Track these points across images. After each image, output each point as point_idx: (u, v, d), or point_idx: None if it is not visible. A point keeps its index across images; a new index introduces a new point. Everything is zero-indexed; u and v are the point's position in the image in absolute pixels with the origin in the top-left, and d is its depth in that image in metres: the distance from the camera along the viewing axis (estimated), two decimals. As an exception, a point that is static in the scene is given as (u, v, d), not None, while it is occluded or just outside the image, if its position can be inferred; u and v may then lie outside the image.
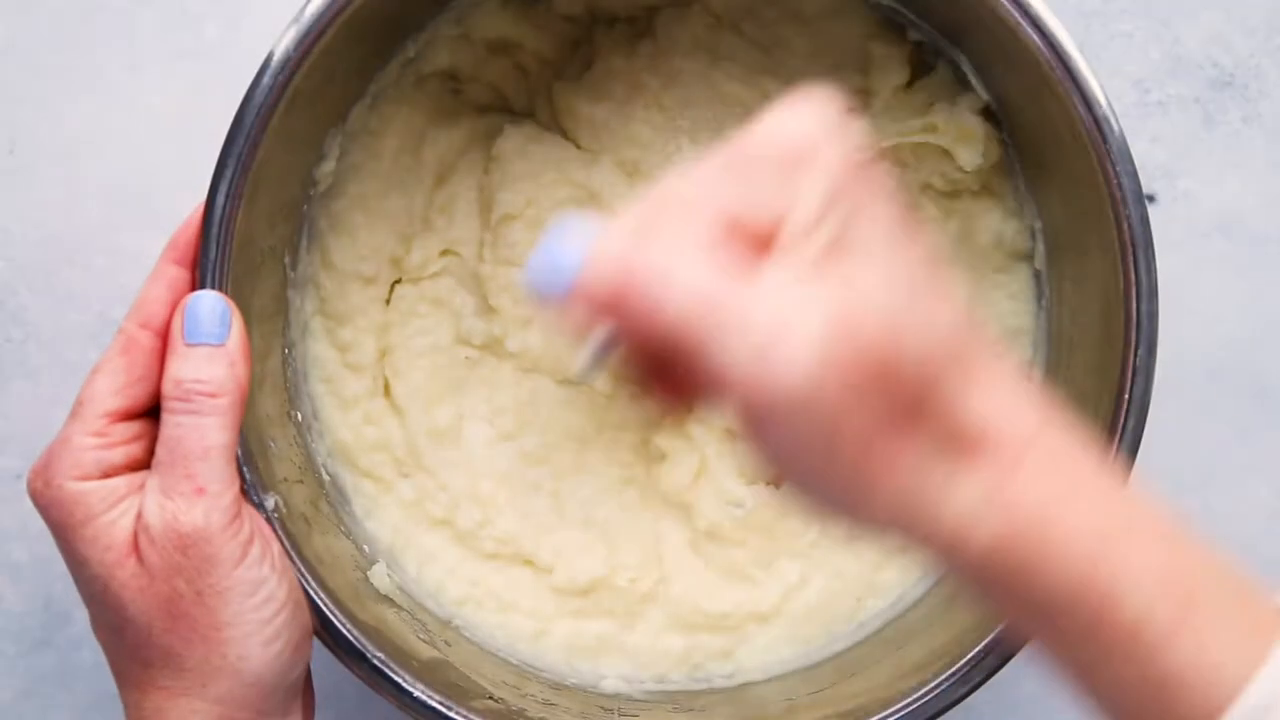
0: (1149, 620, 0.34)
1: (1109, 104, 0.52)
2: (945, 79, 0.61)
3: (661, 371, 0.37)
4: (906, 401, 0.34)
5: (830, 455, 0.34)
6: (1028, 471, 0.35)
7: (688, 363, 0.34)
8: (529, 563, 0.62)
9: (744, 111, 0.62)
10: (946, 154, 0.61)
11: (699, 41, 0.62)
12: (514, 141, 0.62)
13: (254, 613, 0.47)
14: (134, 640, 0.47)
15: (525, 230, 0.62)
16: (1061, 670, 0.37)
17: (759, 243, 0.34)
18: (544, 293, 0.34)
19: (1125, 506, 0.36)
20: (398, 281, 0.63)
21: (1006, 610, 0.37)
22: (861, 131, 0.36)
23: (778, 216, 0.34)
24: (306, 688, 0.52)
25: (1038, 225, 0.61)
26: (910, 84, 0.61)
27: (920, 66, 0.61)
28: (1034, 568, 0.34)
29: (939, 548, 0.36)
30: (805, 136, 0.35)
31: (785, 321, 0.33)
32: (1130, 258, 0.52)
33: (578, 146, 0.63)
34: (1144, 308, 0.52)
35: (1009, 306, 0.62)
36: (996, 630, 0.52)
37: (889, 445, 0.34)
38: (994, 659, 0.52)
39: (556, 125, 0.63)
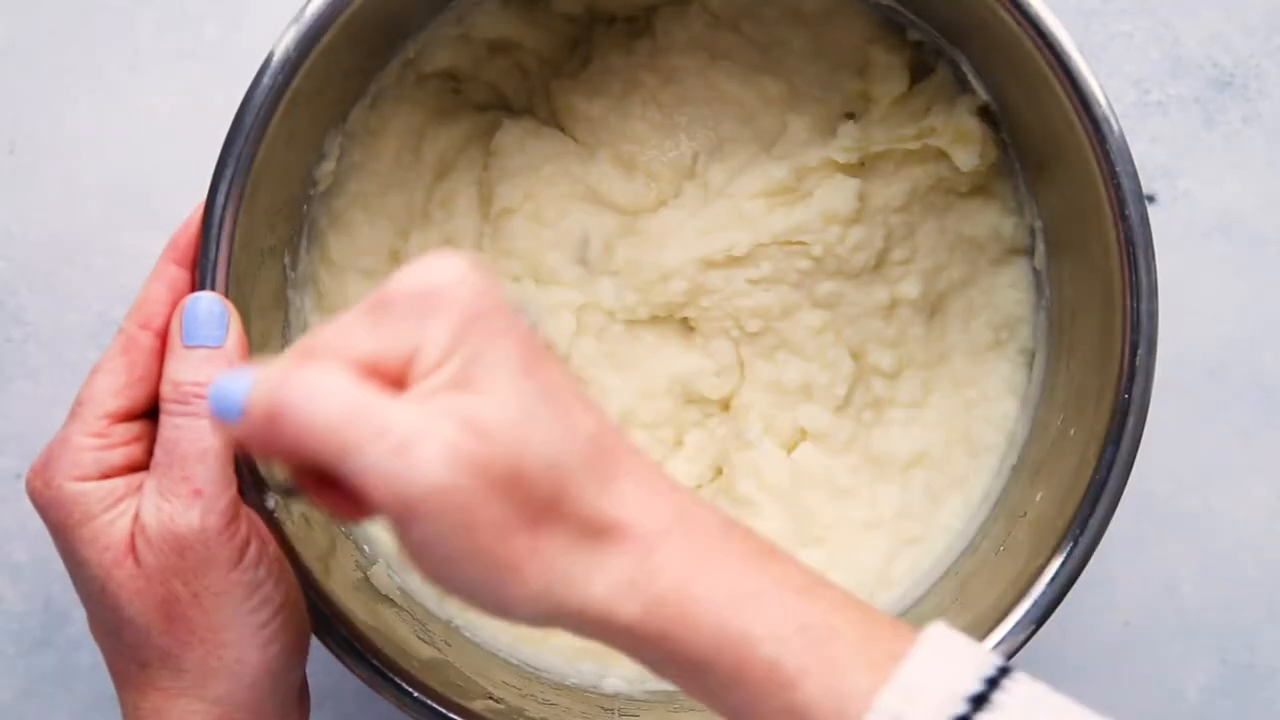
0: (782, 662, 0.38)
1: (1109, 104, 0.52)
2: (944, 80, 0.61)
3: (326, 486, 0.40)
4: (538, 501, 0.38)
5: (469, 549, 0.38)
6: (664, 554, 0.39)
7: (339, 474, 0.37)
8: None
9: (741, 110, 0.62)
10: (945, 154, 0.61)
11: (697, 40, 0.62)
12: (513, 135, 0.62)
13: (250, 615, 0.48)
14: (132, 641, 0.47)
15: (525, 224, 0.62)
16: (721, 714, 0.41)
17: (396, 383, 0.39)
18: (220, 418, 0.39)
19: (758, 572, 0.40)
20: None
21: (660, 671, 0.41)
22: (489, 279, 0.40)
23: (410, 354, 0.39)
24: (302, 688, 0.52)
25: (1038, 224, 0.61)
26: (910, 86, 0.61)
27: (920, 68, 0.61)
28: (677, 633, 0.39)
29: (587, 624, 0.40)
30: (435, 283, 0.39)
31: (420, 428, 0.37)
32: (1130, 257, 0.52)
33: (576, 142, 0.63)
34: (1144, 307, 0.52)
35: (1010, 296, 0.62)
36: (995, 631, 0.52)
37: (528, 538, 0.38)
38: (994, 659, 0.52)
39: (555, 122, 0.63)
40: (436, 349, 0.38)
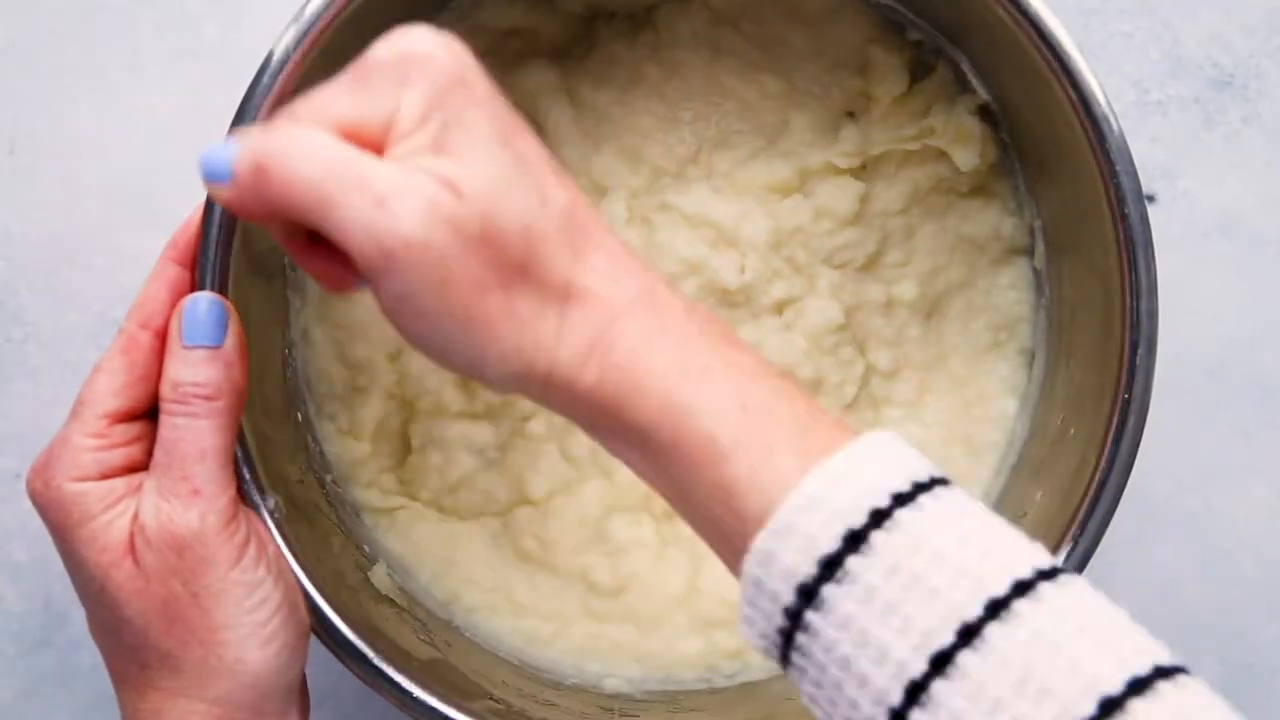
0: (716, 438, 0.40)
1: (1109, 104, 0.52)
2: (944, 80, 0.61)
3: (314, 254, 0.43)
4: (511, 262, 0.40)
5: (444, 304, 0.40)
6: (625, 324, 0.41)
7: (323, 229, 0.39)
8: (560, 568, 0.62)
9: (743, 106, 0.62)
10: (945, 154, 0.61)
11: (699, 35, 0.62)
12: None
13: (249, 615, 0.47)
14: (131, 641, 0.47)
15: None
16: (662, 493, 0.43)
17: (376, 149, 0.40)
18: (209, 179, 0.41)
19: (711, 352, 0.42)
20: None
21: (609, 442, 0.43)
22: (466, 52, 0.41)
23: (389, 119, 0.40)
24: (302, 688, 0.52)
25: (1038, 224, 0.61)
26: (910, 86, 0.61)
27: (919, 67, 0.61)
28: (625, 399, 0.41)
29: (553, 390, 0.42)
30: (413, 49, 0.41)
31: (400, 183, 0.39)
32: (1130, 257, 0.52)
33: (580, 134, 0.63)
34: (1144, 306, 0.52)
35: (1010, 296, 0.62)
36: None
37: (501, 297, 0.40)
38: (994, 659, 0.52)
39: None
40: (414, 112, 0.40)
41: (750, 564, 0.40)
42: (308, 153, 0.39)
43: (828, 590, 0.38)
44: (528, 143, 0.42)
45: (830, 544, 0.38)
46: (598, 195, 0.62)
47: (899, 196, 0.62)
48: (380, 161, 0.40)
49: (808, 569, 0.38)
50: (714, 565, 0.62)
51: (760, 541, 0.39)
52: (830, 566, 0.38)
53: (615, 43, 0.62)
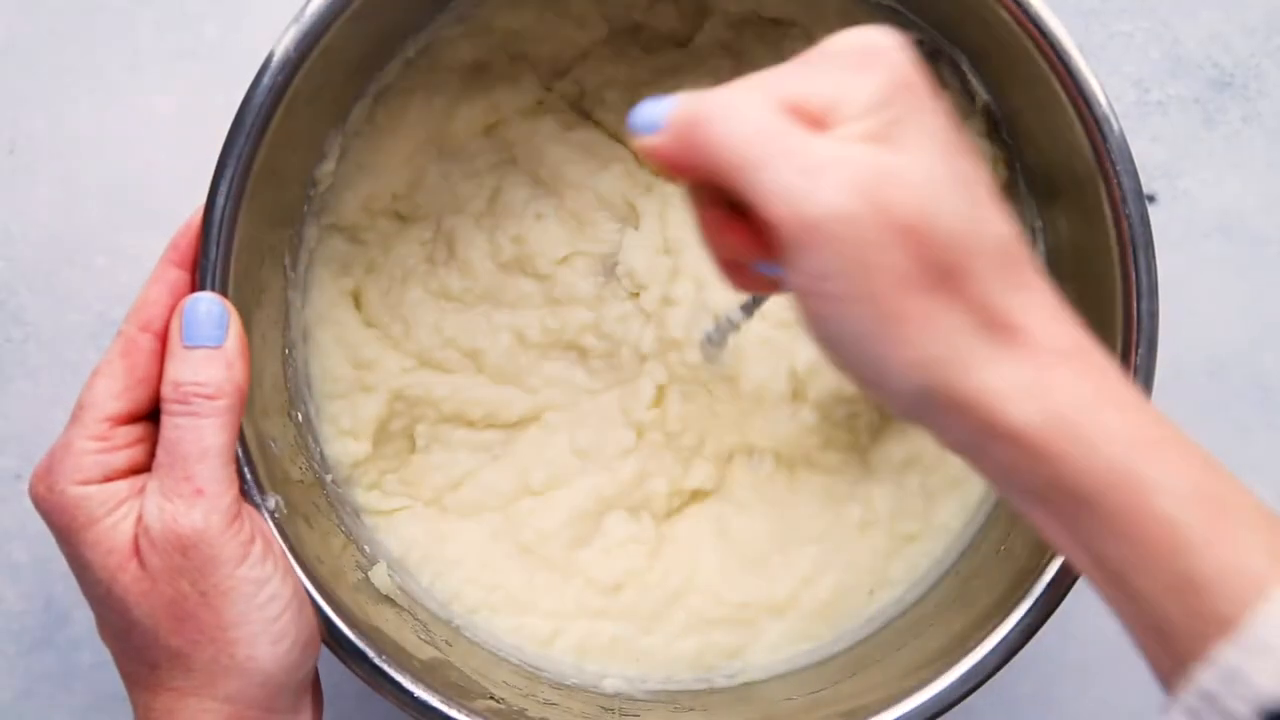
0: (1180, 521, 0.36)
1: (1109, 104, 0.52)
2: (954, 97, 0.61)
3: (726, 223, 0.41)
4: (941, 266, 0.37)
5: (861, 290, 0.37)
6: (1067, 373, 0.38)
7: (741, 189, 0.38)
8: (559, 564, 0.62)
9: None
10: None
11: (727, 46, 0.62)
12: (548, 130, 0.62)
13: (259, 611, 0.48)
14: (140, 643, 0.47)
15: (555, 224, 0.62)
16: (1080, 562, 0.39)
17: (816, 124, 0.39)
18: (641, 130, 0.41)
19: (1160, 424, 0.38)
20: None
21: (1025, 496, 0.39)
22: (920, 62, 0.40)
23: (835, 102, 0.39)
24: (314, 686, 0.52)
25: (1038, 224, 0.61)
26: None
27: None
28: (1069, 455, 0.37)
29: (966, 417, 0.38)
30: (876, 43, 0.40)
31: (832, 157, 0.37)
32: (1130, 257, 0.52)
33: (607, 132, 0.63)
34: (1144, 307, 0.52)
35: None
36: (995, 631, 0.52)
37: (924, 299, 0.37)
38: (994, 659, 0.52)
39: (581, 109, 0.64)
40: (866, 97, 0.38)
41: (1208, 676, 0.35)
42: (744, 113, 0.38)
43: None
44: (972, 164, 0.40)
45: None
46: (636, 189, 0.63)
47: None
48: (815, 136, 0.38)
49: None
50: (711, 564, 0.62)
51: (1225, 654, 0.35)
52: None
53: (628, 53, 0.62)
